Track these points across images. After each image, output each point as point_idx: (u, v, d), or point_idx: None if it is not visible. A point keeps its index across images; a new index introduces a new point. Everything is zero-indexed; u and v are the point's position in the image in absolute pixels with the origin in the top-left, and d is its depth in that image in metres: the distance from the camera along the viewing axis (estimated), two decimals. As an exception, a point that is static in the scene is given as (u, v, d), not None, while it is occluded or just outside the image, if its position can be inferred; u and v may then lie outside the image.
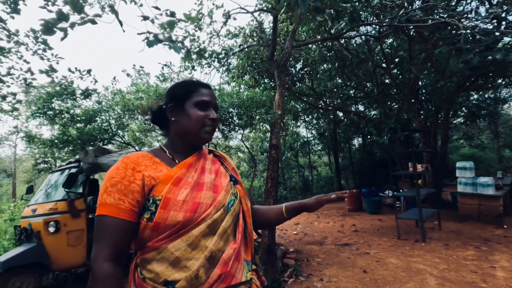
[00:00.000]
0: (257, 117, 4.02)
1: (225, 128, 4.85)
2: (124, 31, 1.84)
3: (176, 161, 0.89)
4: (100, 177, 6.24)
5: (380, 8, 4.68)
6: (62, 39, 2.01)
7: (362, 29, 6.67)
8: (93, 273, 0.71)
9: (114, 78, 5.16)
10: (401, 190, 7.28)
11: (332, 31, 5.34)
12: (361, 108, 11.32)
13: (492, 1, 4.67)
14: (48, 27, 1.72)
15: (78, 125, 4.24)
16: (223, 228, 0.82)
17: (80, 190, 3.67)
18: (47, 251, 3.29)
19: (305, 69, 7.62)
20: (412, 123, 8.01)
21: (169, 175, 0.81)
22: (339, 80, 8.06)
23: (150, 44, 1.99)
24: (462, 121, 9.61)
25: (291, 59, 5.96)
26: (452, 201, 7.08)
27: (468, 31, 3.68)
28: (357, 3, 4.97)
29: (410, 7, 4.60)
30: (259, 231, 3.62)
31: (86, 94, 4.29)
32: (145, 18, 2.37)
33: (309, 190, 12.17)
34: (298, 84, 7.91)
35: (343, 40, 6.15)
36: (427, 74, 6.55)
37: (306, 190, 12.11)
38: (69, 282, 3.75)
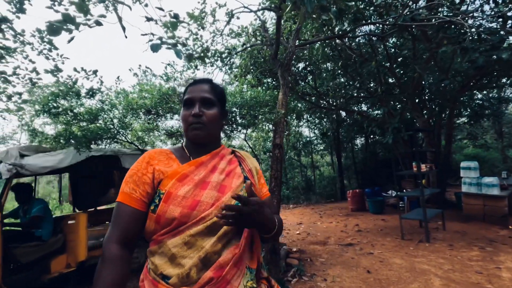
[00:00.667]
0: (260, 116, 4.01)
1: (227, 128, 4.86)
2: (126, 37, 1.83)
3: (191, 159, 0.91)
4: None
5: (384, 7, 4.66)
6: (69, 41, 2.01)
7: (366, 28, 6.64)
8: (103, 253, 0.78)
9: (118, 77, 5.17)
10: (404, 190, 7.24)
11: (336, 30, 5.33)
12: (364, 107, 11.28)
13: (498, 0, 4.63)
14: (53, 29, 1.72)
15: (81, 123, 4.25)
16: (224, 230, 0.79)
17: None
18: None
19: (308, 69, 7.60)
20: (415, 122, 7.98)
21: (176, 171, 0.84)
22: (342, 80, 8.04)
23: (154, 48, 1.99)
24: (466, 120, 9.55)
25: (294, 58, 5.94)
26: (456, 201, 7.03)
27: (473, 30, 3.65)
28: (360, 2, 4.95)
29: (414, 5, 4.57)
30: None
31: (91, 93, 4.31)
32: (149, 19, 2.37)
33: (312, 190, 12.14)
34: (301, 83, 7.89)
35: (347, 39, 6.13)
36: (431, 73, 6.52)
37: (309, 190, 12.09)
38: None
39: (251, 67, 6.21)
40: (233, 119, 4.22)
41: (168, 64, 5.64)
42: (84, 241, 3.52)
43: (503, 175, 6.85)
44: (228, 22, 5.22)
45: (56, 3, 2.75)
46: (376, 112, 10.54)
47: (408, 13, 3.88)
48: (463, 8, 5.11)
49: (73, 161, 3.67)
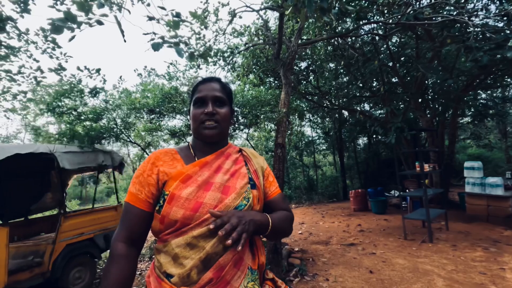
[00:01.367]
0: (262, 116, 4.01)
1: (230, 127, 4.85)
2: (125, 41, 1.82)
3: (196, 159, 0.91)
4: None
5: (388, 5, 4.63)
6: (70, 40, 2.02)
7: (368, 27, 6.61)
8: (111, 251, 0.81)
9: (121, 77, 5.19)
10: (407, 190, 7.21)
11: (338, 30, 5.31)
12: (367, 107, 11.24)
13: (503, -2, 4.59)
14: (56, 27, 1.73)
15: (85, 123, 4.27)
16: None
17: None
18: None
19: (311, 68, 7.58)
20: (419, 122, 7.93)
21: (180, 172, 0.84)
22: (345, 79, 8.01)
23: (155, 47, 1.99)
24: (469, 120, 9.49)
25: (296, 57, 5.93)
26: (459, 201, 6.99)
27: (478, 28, 3.62)
28: (364, 1, 4.93)
29: (417, 4, 4.54)
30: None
31: (94, 92, 4.33)
32: (151, 18, 2.38)
33: (314, 189, 12.12)
34: (303, 82, 7.88)
35: (349, 38, 6.11)
36: (435, 72, 6.48)
37: (311, 189, 12.06)
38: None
39: (253, 67, 6.21)
40: (235, 118, 4.23)
41: (171, 64, 5.65)
42: (3, 262, 2.72)
43: (507, 175, 6.78)
44: (230, 21, 5.22)
45: (58, 2, 2.76)
46: (379, 111, 10.51)
47: (411, 11, 3.85)
48: (469, 6, 5.07)
49: None
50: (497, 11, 3.89)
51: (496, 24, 4.36)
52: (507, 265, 3.36)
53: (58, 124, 4.83)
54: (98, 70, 4.43)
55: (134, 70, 5.89)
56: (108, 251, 3.60)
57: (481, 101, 8.31)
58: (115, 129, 4.49)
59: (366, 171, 12.47)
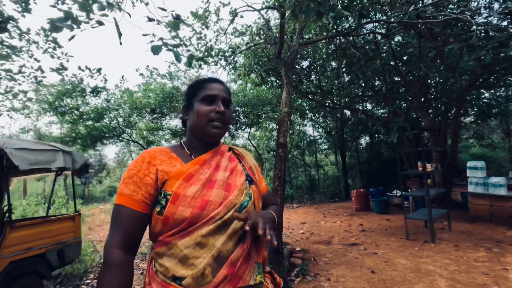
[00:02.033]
0: (264, 115, 4.00)
1: (231, 127, 4.85)
2: (121, 44, 1.79)
3: (193, 157, 0.90)
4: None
5: (390, 4, 4.61)
6: (70, 39, 2.02)
7: (371, 25, 6.58)
8: (105, 258, 0.75)
9: (122, 77, 5.20)
10: (409, 190, 7.18)
11: (340, 28, 5.29)
12: (369, 106, 11.20)
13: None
14: (54, 26, 1.73)
15: (87, 122, 4.29)
16: (233, 229, 0.80)
17: None
18: None
19: (312, 67, 7.56)
20: (421, 121, 7.89)
21: (181, 171, 0.82)
22: (347, 78, 7.98)
23: (154, 51, 1.98)
24: (472, 119, 9.43)
25: (298, 56, 5.92)
26: (462, 201, 6.95)
27: (481, 27, 3.59)
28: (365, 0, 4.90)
29: (420, 2, 4.51)
30: None
31: (96, 91, 4.34)
32: (150, 19, 2.37)
33: (316, 189, 12.10)
34: (305, 82, 7.86)
35: (351, 37, 6.08)
36: (437, 72, 6.44)
37: (313, 189, 12.04)
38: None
39: (254, 66, 6.19)
40: (236, 118, 4.22)
41: (172, 63, 5.65)
42: None
43: (510, 175, 6.74)
44: (231, 21, 5.21)
45: (59, 1, 2.76)
46: (381, 111, 10.47)
47: (413, 10, 3.82)
48: (472, 4, 5.03)
49: None
50: (500, 9, 3.85)
51: (499, 22, 4.32)
52: (510, 266, 3.34)
53: (61, 123, 4.85)
54: (99, 70, 4.44)
55: (136, 70, 5.89)
56: (57, 269, 3.05)
57: (484, 100, 8.26)
58: (117, 129, 4.50)
59: (368, 171, 12.45)
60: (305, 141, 13.86)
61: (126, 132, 4.76)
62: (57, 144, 3.59)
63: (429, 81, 7.11)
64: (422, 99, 7.13)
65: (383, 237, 4.97)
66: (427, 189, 4.55)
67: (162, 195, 0.79)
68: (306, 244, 4.88)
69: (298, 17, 2.11)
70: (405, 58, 7.09)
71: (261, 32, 5.77)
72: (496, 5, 5.19)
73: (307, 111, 9.49)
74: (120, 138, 4.77)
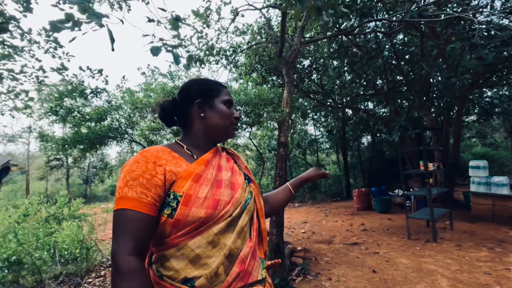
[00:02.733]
0: (265, 115, 3.99)
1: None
2: (113, 50, 1.76)
3: (195, 157, 0.89)
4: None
5: (391, 3, 4.58)
6: (70, 41, 2.02)
7: (372, 24, 6.56)
8: (118, 267, 0.68)
9: (124, 77, 5.20)
10: (411, 189, 7.16)
11: (342, 27, 5.27)
12: (370, 105, 11.17)
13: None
14: (54, 27, 1.73)
15: (88, 123, 4.29)
16: (240, 226, 0.83)
17: None
18: None
19: (314, 66, 7.55)
20: (423, 121, 7.86)
21: (189, 171, 0.81)
22: (348, 77, 7.96)
23: (154, 52, 1.98)
24: (475, 119, 9.38)
25: (299, 55, 5.90)
26: (464, 201, 6.92)
27: (483, 26, 3.57)
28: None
29: (422, 1, 4.49)
30: (267, 229, 3.61)
31: (96, 92, 4.35)
32: (150, 20, 2.37)
33: (317, 188, 12.09)
34: (306, 81, 7.84)
35: (353, 36, 6.06)
36: (439, 70, 6.41)
37: (314, 188, 12.04)
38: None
39: (256, 65, 6.19)
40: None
41: (172, 63, 5.65)
42: None
43: (513, 174, 6.71)
44: (233, 20, 5.20)
45: (61, 1, 2.76)
46: (383, 110, 10.43)
47: (415, 9, 3.80)
48: (474, 3, 5.00)
49: None
50: (502, 8, 3.82)
51: (500, 21, 4.29)
52: (513, 266, 3.32)
53: (63, 123, 4.86)
54: (100, 71, 4.44)
55: (138, 69, 5.90)
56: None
57: (487, 99, 8.21)
58: (119, 129, 4.51)
59: (370, 170, 12.42)
60: (307, 140, 13.84)
61: (128, 132, 4.77)
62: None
63: (431, 80, 7.08)
64: (424, 98, 7.10)
65: (385, 237, 4.96)
66: (429, 189, 4.54)
67: (172, 196, 0.76)
68: (307, 244, 4.88)
69: (296, 9, 2.10)
70: (407, 57, 7.07)
71: (262, 31, 5.76)
72: (497, 3, 5.15)
73: (309, 110, 9.47)
74: (122, 138, 4.78)
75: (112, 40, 1.59)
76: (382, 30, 6.01)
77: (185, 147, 0.91)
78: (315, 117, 12.51)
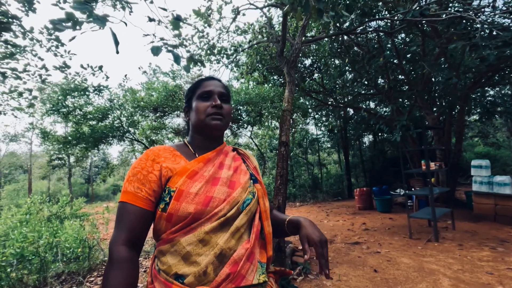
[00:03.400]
0: (266, 113, 4.00)
1: (234, 125, 4.85)
2: (118, 52, 1.75)
3: (197, 156, 0.91)
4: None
5: (393, 2, 4.57)
6: (70, 40, 2.03)
7: (374, 23, 6.54)
8: (110, 255, 0.74)
9: (125, 76, 5.22)
10: (413, 189, 7.14)
11: (343, 26, 5.25)
12: (372, 105, 11.14)
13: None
14: (56, 27, 1.74)
15: (90, 122, 4.30)
16: (236, 226, 0.81)
17: None
18: None
19: (315, 65, 7.53)
20: (425, 120, 7.83)
21: (185, 168, 0.83)
22: (350, 76, 7.94)
23: (154, 52, 1.98)
24: (477, 118, 9.34)
25: (300, 54, 5.89)
26: (466, 200, 6.90)
27: (485, 26, 3.55)
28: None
29: (423, 0, 4.47)
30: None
31: (98, 90, 4.36)
32: (151, 20, 2.37)
33: (318, 188, 12.08)
34: (307, 80, 7.83)
35: (354, 35, 6.04)
36: (441, 70, 6.38)
37: (315, 188, 12.03)
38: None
39: (257, 64, 6.18)
40: (239, 116, 4.22)
41: (173, 64, 5.65)
42: None
43: (515, 174, 6.68)
44: (234, 19, 5.20)
45: (61, 0, 2.77)
46: (384, 109, 10.40)
47: (417, 8, 3.79)
48: (476, 2, 4.98)
49: None
50: (504, 8, 3.80)
51: (502, 20, 4.27)
52: (515, 265, 3.31)
53: (65, 122, 4.88)
54: (100, 68, 4.46)
55: (139, 68, 5.90)
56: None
57: (489, 98, 8.16)
58: (120, 128, 4.52)
59: (371, 170, 12.40)
60: (308, 140, 13.83)
61: (130, 131, 4.78)
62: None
63: (432, 79, 7.06)
64: (426, 97, 7.08)
65: (386, 236, 4.95)
66: (431, 188, 4.53)
67: (166, 192, 0.80)
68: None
69: (298, 12, 2.10)
70: (408, 56, 7.04)
71: (264, 30, 5.76)
72: (500, 3, 5.13)
73: (310, 110, 9.46)
74: (123, 137, 4.79)
75: (117, 43, 1.59)
76: (384, 28, 5.99)
77: (190, 147, 0.95)
78: (316, 116, 12.50)
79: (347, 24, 5.42)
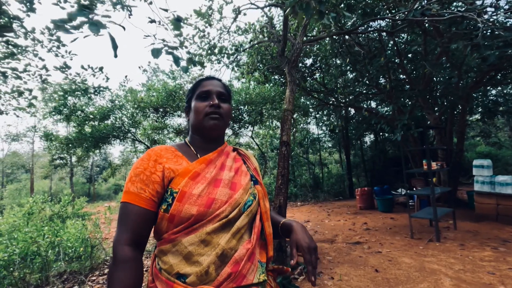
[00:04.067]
0: (267, 113, 4.00)
1: (235, 125, 4.86)
2: (116, 56, 1.75)
3: (199, 156, 0.91)
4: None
5: (394, 1, 4.55)
6: (72, 41, 2.04)
7: (375, 23, 6.52)
8: (114, 256, 0.75)
9: (126, 76, 5.23)
10: (414, 189, 7.13)
11: (345, 26, 5.24)
12: (373, 104, 11.13)
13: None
14: (58, 26, 1.74)
15: (92, 123, 4.32)
16: (237, 227, 0.81)
17: None
18: None
19: (316, 65, 7.52)
20: (426, 119, 7.81)
21: (187, 169, 0.83)
22: (351, 76, 7.93)
23: (154, 54, 1.99)
24: (479, 117, 9.31)
25: (301, 54, 5.88)
26: (468, 200, 6.88)
27: (487, 25, 3.53)
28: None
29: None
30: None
31: (98, 90, 4.37)
32: (152, 21, 2.37)
33: (320, 187, 12.07)
34: (308, 79, 7.82)
35: (355, 35, 6.03)
36: (443, 69, 6.36)
37: (317, 187, 12.02)
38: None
39: (258, 64, 6.18)
40: (240, 116, 4.22)
41: (172, 65, 5.66)
42: None
43: (517, 173, 6.65)
44: (235, 19, 5.20)
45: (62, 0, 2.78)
46: (386, 109, 10.38)
47: (418, 7, 3.78)
48: (478, 2, 4.95)
49: None
50: (507, 7, 3.78)
51: (505, 20, 4.25)
52: (517, 265, 3.30)
53: (67, 122, 4.90)
54: (101, 68, 4.47)
55: (139, 67, 5.91)
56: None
57: (491, 98, 8.13)
58: (122, 128, 4.54)
59: (373, 169, 12.37)
60: (309, 139, 13.82)
61: (131, 131, 4.79)
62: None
63: (434, 78, 7.03)
64: (427, 97, 7.06)
65: (388, 236, 4.95)
66: (432, 188, 4.52)
67: (169, 193, 0.80)
68: (310, 243, 4.87)
69: (298, 14, 2.11)
70: (409, 55, 7.02)
71: (265, 30, 5.76)
72: (502, 2, 5.10)
73: (311, 109, 9.45)
74: (125, 137, 4.81)
75: (115, 47, 1.59)
76: (386, 28, 5.98)
77: (191, 147, 0.95)
78: (317, 116, 12.49)
79: (348, 24, 5.41)
